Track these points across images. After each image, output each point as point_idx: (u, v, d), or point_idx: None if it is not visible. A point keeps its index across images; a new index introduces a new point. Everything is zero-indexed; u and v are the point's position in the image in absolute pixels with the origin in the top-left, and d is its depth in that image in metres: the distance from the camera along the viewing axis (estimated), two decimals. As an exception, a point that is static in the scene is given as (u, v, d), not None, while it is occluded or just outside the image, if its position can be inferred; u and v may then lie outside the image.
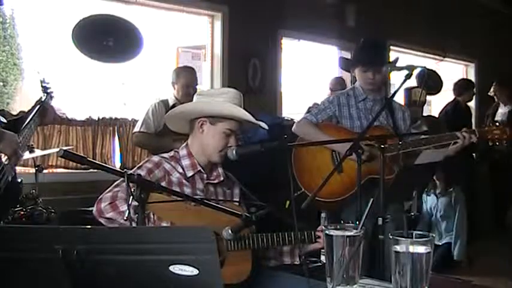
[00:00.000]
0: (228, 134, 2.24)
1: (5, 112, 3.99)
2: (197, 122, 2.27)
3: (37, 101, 2.73)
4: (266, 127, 2.35)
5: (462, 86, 6.57)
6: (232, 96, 2.28)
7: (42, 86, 2.81)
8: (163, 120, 3.50)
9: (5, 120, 2.43)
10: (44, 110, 2.70)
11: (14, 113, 4.09)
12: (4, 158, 2.25)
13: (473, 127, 5.96)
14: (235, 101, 2.27)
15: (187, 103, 2.55)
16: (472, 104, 7.13)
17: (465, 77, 8.10)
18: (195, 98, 2.36)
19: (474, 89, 6.70)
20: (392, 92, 3.35)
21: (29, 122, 2.53)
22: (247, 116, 2.24)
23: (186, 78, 4.10)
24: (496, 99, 6.50)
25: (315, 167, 2.96)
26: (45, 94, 2.78)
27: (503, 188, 6.32)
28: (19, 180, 2.54)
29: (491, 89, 6.54)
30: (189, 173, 2.24)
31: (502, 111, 6.47)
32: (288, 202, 2.24)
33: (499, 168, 6.40)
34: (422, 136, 2.93)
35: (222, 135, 2.24)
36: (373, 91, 3.09)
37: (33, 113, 2.60)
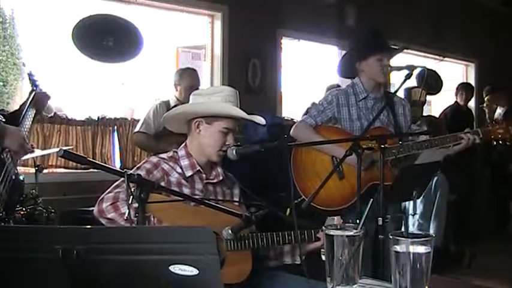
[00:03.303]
0: (225, 132, 2.24)
1: (5, 112, 4.00)
2: (193, 122, 2.27)
3: (30, 92, 2.84)
4: (263, 122, 2.34)
5: (461, 89, 6.61)
6: (228, 94, 2.27)
7: (30, 79, 2.91)
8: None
9: (2, 118, 2.44)
10: (37, 99, 2.80)
11: (9, 112, 4.10)
12: (8, 155, 2.26)
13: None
14: (231, 98, 2.27)
15: (183, 105, 2.56)
16: (472, 104, 7.14)
17: (465, 76, 8.13)
18: (191, 98, 2.36)
19: (473, 92, 6.74)
20: (392, 92, 3.32)
21: (26, 111, 2.57)
22: (241, 114, 2.24)
23: (189, 80, 4.11)
24: (494, 106, 6.57)
25: (314, 172, 2.90)
26: (35, 87, 2.88)
27: (503, 188, 6.34)
28: (21, 177, 2.54)
29: (485, 99, 6.61)
30: (188, 173, 2.24)
31: (499, 112, 6.51)
32: (288, 210, 2.24)
33: (499, 169, 6.42)
34: (424, 137, 2.90)
35: (219, 134, 2.24)
36: (375, 87, 2.99)
37: (28, 103, 2.66)
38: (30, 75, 2.93)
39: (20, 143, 2.15)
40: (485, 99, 6.68)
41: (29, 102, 2.72)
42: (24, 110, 2.62)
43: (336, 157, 2.88)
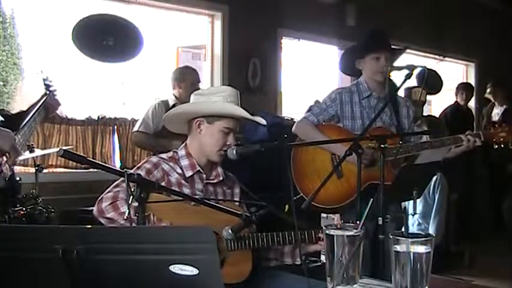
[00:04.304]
0: (226, 132, 2.24)
1: (5, 111, 4.00)
2: (194, 122, 2.27)
3: (42, 95, 2.83)
4: (264, 122, 2.34)
5: (462, 89, 6.61)
6: (229, 94, 2.27)
7: (45, 84, 2.89)
8: (162, 121, 3.52)
9: (1, 119, 2.43)
10: (48, 104, 2.81)
11: (14, 112, 4.10)
12: (2, 158, 2.25)
13: (475, 129, 5.98)
14: (232, 98, 2.27)
15: (184, 104, 2.56)
16: (472, 104, 7.14)
17: (465, 76, 8.13)
18: (192, 97, 2.36)
19: (473, 92, 6.73)
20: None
21: (32, 115, 2.57)
22: (244, 114, 2.24)
23: (193, 76, 4.15)
24: (492, 100, 6.55)
25: (314, 171, 2.89)
26: (48, 92, 2.86)
27: (501, 186, 6.34)
28: (18, 178, 2.54)
29: (487, 91, 6.59)
30: (188, 173, 2.24)
31: (496, 111, 6.50)
32: (287, 206, 2.23)
33: (499, 168, 6.42)
34: (425, 139, 2.89)
35: (220, 134, 2.23)
36: (379, 86, 2.98)
37: (36, 107, 2.65)
38: (45, 80, 2.93)
39: (11, 144, 2.13)
40: (488, 90, 6.64)
41: (38, 106, 2.71)
42: (31, 113, 2.62)
43: (335, 155, 2.88)
